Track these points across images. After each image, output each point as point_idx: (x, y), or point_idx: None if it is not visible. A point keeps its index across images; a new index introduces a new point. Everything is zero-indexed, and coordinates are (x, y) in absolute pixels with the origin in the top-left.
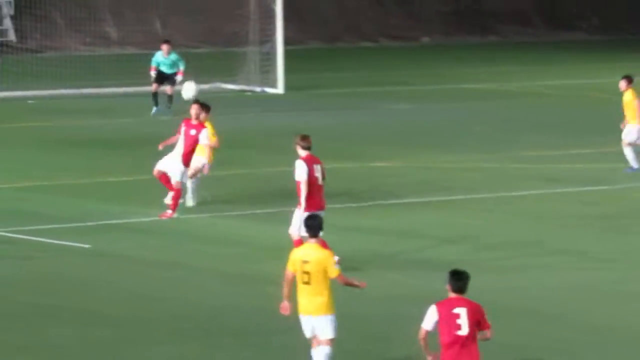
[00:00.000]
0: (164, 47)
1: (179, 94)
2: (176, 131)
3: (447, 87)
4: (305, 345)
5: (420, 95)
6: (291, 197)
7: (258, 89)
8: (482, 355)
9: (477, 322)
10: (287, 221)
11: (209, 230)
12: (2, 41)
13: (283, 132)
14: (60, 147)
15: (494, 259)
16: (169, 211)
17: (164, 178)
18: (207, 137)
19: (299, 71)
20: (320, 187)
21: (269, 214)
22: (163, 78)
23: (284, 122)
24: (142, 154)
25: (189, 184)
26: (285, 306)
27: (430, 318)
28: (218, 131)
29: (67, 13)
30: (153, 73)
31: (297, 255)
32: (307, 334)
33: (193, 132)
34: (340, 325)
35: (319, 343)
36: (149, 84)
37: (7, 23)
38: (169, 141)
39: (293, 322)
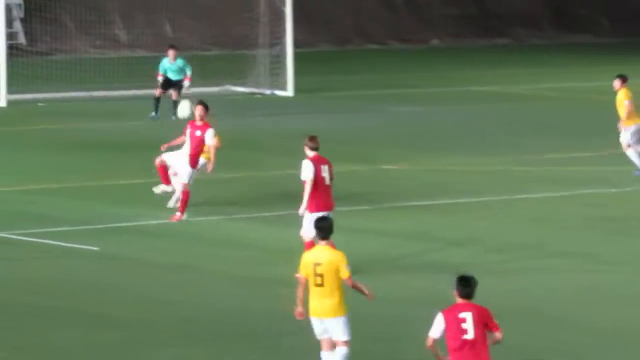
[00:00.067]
0: (170, 52)
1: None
2: (181, 132)
3: (456, 90)
4: (316, 348)
5: (428, 98)
6: (300, 199)
7: (268, 92)
8: None
9: (485, 325)
10: (296, 224)
11: (218, 232)
12: (12, 44)
13: (292, 134)
14: (70, 150)
15: (499, 262)
16: (178, 213)
17: (163, 170)
18: (212, 137)
19: (309, 74)
20: (327, 187)
21: (278, 217)
22: (169, 85)
23: (293, 124)
24: (152, 156)
25: (178, 185)
26: (300, 312)
27: (438, 326)
28: (228, 133)
29: (77, 16)
30: (160, 79)
31: (308, 258)
32: (318, 336)
33: (198, 133)
34: None
35: (333, 345)
36: (157, 87)
37: (17, 26)
38: (173, 143)
39: (303, 324)
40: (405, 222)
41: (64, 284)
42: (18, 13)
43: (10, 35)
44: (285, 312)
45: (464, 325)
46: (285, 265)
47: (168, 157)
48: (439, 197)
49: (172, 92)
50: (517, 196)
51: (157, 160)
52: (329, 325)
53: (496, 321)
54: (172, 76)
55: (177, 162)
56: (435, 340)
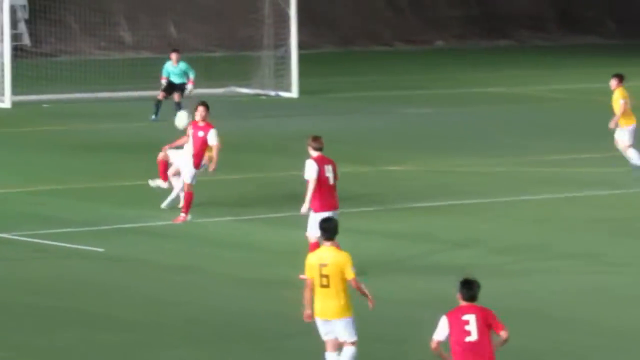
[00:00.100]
0: (173, 56)
1: (186, 100)
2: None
3: (460, 91)
4: (321, 349)
5: (433, 99)
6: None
7: (272, 93)
8: None
9: (489, 326)
10: (301, 225)
11: (223, 234)
12: (17, 45)
13: (297, 136)
14: (75, 151)
15: (503, 263)
16: (182, 215)
17: (163, 165)
18: (215, 137)
19: (313, 75)
20: (332, 187)
21: (282, 218)
22: (172, 88)
23: (298, 126)
24: (157, 158)
25: (177, 186)
26: (308, 314)
27: (442, 329)
28: (233, 134)
29: (82, 17)
30: (164, 82)
31: (313, 260)
32: (323, 336)
33: (201, 133)
34: None
35: (338, 346)
36: (160, 90)
37: (22, 27)
38: (175, 144)
39: (308, 325)
40: (410, 223)
41: (69, 285)
42: (23, 14)
43: (15, 37)
44: (290, 314)
45: (467, 327)
46: (290, 266)
47: (172, 154)
48: (443, 198)
49: (175, 95)
50: (521, 197)
51: (161, 155)
52: (335, 327)
53: (500, 321)
54: (175, 79)
55: (181, 161)
56: (439, 343)
